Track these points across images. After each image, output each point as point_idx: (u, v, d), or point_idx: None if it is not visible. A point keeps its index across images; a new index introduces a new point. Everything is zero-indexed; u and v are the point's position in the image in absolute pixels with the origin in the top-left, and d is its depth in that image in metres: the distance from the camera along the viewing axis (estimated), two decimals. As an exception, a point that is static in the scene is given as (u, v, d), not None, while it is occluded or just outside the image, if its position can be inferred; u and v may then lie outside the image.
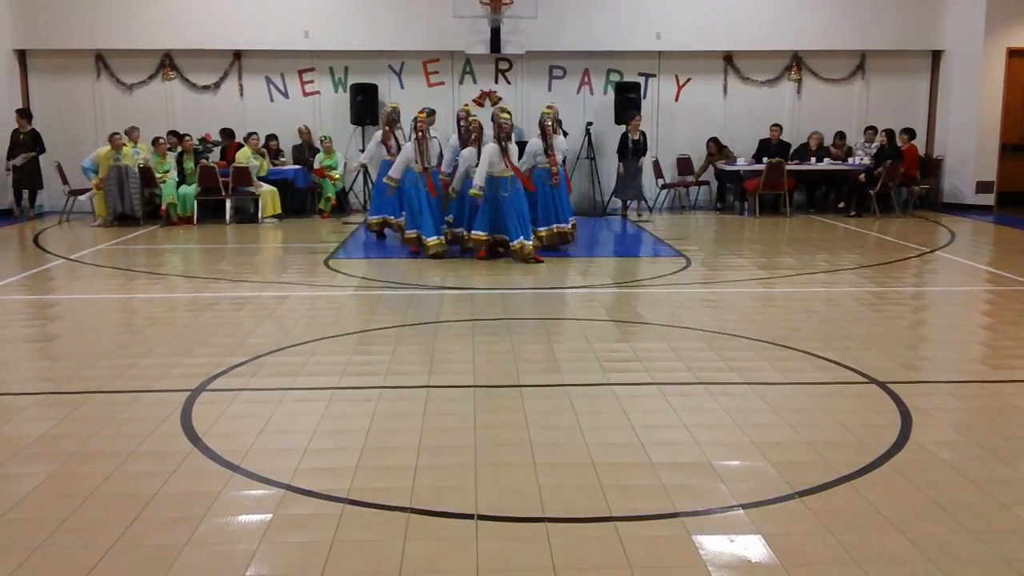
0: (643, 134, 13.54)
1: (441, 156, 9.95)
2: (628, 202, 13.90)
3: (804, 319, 6.66)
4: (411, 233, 9.56)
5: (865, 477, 3.69)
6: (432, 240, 9.43)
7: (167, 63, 14.17)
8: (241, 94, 14.33)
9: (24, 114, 13.37)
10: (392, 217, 10.50)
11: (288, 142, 14.09)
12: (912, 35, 14.31)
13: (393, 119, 11.05)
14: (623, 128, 13.63)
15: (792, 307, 7.10)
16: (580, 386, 4.98)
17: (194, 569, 2.97)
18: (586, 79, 14.54)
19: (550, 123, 9.75)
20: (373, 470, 3.78)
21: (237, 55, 14.19)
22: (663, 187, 14.40)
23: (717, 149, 14.22)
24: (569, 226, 9.99)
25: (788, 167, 13.41)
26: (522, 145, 13.10)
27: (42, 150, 13.34)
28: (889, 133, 13.37)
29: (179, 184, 12.79)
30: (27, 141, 13.20)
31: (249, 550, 3.09)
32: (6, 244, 11.10)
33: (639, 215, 13.70)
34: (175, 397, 4.77)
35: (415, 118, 9.69)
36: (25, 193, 13.53)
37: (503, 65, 14.43)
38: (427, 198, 9.43)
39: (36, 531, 3.23)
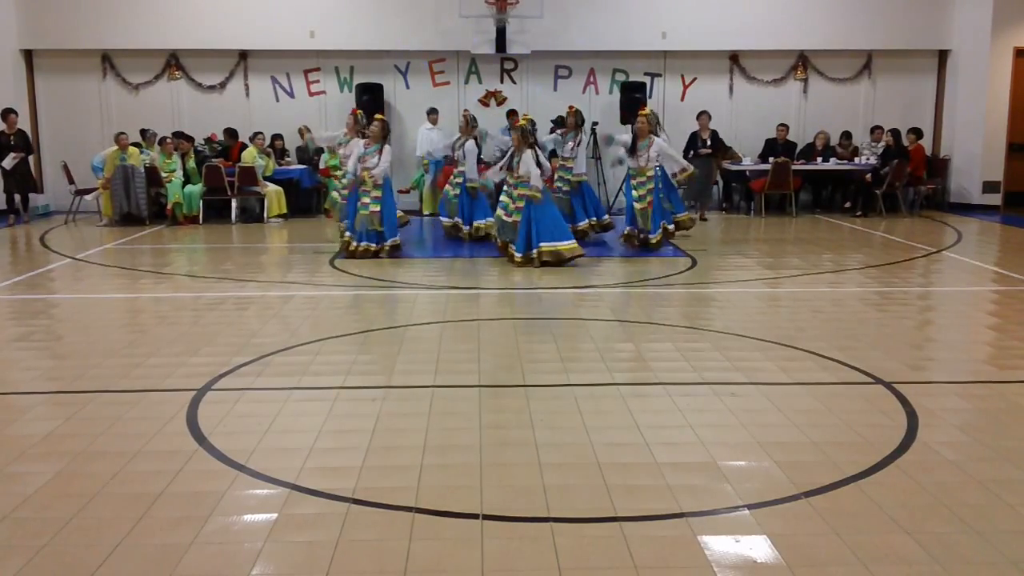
0: (713, 132, 13.27)
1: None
2: (697, 204, 13.33)
3: (810, 319, 6.64)
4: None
5: (871, 478, 3.68)
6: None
7: (173, 63, 14.21)
8: (247, 94, 14.36)
9: (13, 113, 12.69)
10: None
11: (293, 142, 14.11)
12: (919, 35, 14.28)
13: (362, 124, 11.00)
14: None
15: (798, 307, 7.08)
16: (585, 386, 4.97)
17: (199, 568, 2.98)
18: (591, 79, 14.55)
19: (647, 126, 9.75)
20: (378, 470, 3.79)
21: (243, 55, 14.22)
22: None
23: (723, 153, 14.19)
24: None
25: (794, 167, 13.40)
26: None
27: (30, 151, 12.79)
28: (895, 133, 13.33)
29: (184, 184, 12.82)
30: (18, 142, 12.59)
31: (254, 549, 3.09)
32: (12, 244, 11.14)
33: (703, 218, 13.11)
34: (181, 396, 4.78)
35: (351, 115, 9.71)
36: (18, 197, 12.89)
37: (508, 65, 14.44)
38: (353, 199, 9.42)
39: (42, 530, 3.24)
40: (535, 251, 8.80)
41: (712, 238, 11.49)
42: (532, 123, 9.34)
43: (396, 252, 9.54)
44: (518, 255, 8.85)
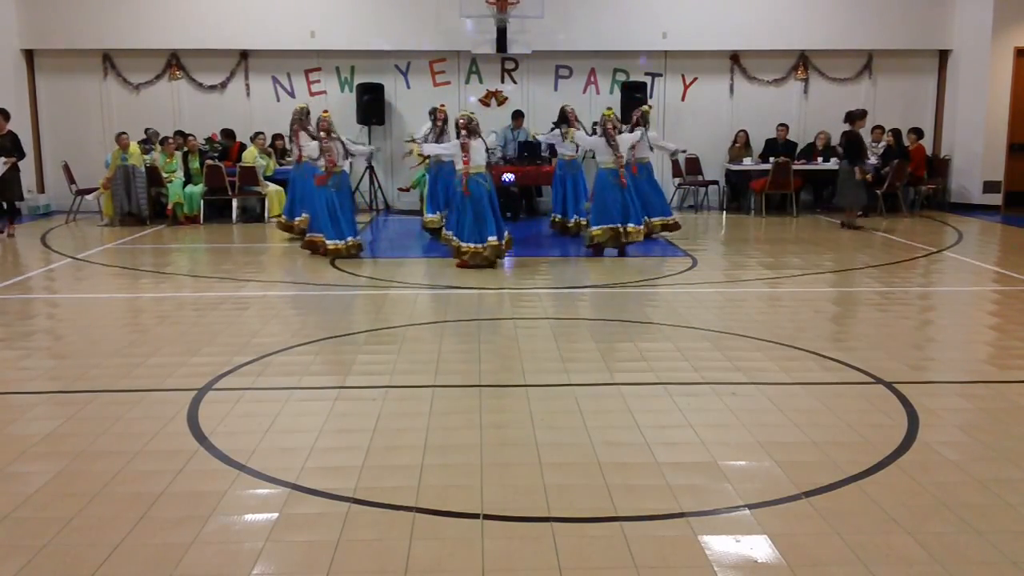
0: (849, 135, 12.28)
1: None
2: (859, 210, 12.19)
3: (811, 319, 6.64)
4: (314, 236, 9.47)
5: (872, 477, 3.68)
6: (332, 243, 9.31)
7: (174, 63, 14.21)
8: (248, 94, 14.36)
9: (3, 115, 11.63)
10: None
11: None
12: (919, 35, 14.27)
13: (301, 119, 10.99)
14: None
15: (799, 307, 7.08)
16: (586, 386, 4.97)
17: (200, 568, 2.98)
18: (592, 79, 14.54)
19: (611, 125, 9.42)
20: (379, 469, 3.79)
21: (244, 55, 14.22)
22: (679, 186, 14.39)
23: (745, 142, 14.22)
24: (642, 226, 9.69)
25: (795, 167, 13.39)
26: (529, 145, 13.19)
27: (22, 155, 11.81)
28: (896, 133, 13.32)
29: (185, 184, 12.82)
30: (5, 145, 11.55)
31: (255, 549, 3.10)
32: (13, 243, 11.13)
33: (857, 225, 11.90)
34: (181, 396, 4.78)
35: (319, 117, 9.61)
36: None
37: (509, 65, 14.43)
38: (328, 199, 9.30)
39: (43, 529, 3.24)
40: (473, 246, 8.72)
41: (713, 238, 11.49)
42: (469, 120, 8.90)
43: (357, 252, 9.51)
44: (473, 245, 8.72)
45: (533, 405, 4.61)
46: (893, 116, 14.21)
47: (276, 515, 3.36)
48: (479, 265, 8.71)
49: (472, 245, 8.76)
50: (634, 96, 13.67)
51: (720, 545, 3.10)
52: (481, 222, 8.74)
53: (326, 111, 9.78)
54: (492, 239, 8.76)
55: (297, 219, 10.81)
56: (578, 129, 10.55)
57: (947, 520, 3.29)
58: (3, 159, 11.53)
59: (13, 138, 11.82)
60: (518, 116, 13.71)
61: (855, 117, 11.85)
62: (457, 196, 8.90)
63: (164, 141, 13.09)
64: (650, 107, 11.08)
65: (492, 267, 8.75)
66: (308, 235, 9.60)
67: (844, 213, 12.15)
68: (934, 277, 8.74)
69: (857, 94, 14.64)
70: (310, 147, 9.74)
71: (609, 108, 10.03)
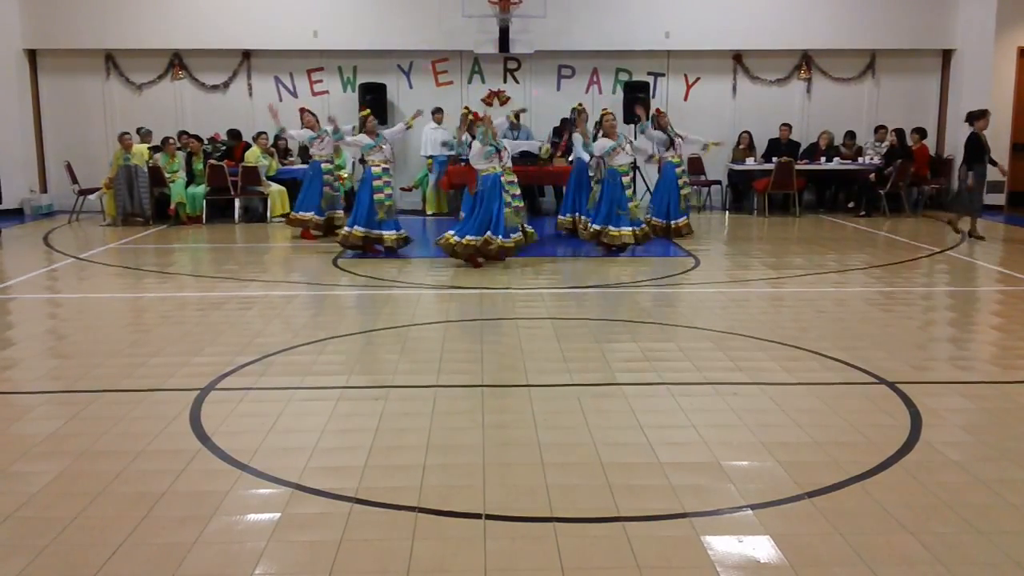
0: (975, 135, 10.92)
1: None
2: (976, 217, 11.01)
3: (814, 319, 6.63)
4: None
5: (874, 478, 3.67)
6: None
7: (176, 63, 14.23)
8: (250, 94, 14.37)
9: None
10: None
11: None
12: (922, 34, 14.26)
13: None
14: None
15: (802, 307, 7.07)
16: (588, 386, 4.97)
17: (203, 567, 2.98)
18: (595, 78, 14.54)
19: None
20: (381, 469, 3.79)
21: (246, 55, 14.24)
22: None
23: (749, 144, 14.21)
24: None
25: (798, 167, 13.38)
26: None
27: None
28: (899, 133, 13.31)
29: (187, 184, 12.83)
30: None
31: (257, 549, 3.10)
32: (16, 243, 11.15)
33: (980, 236, 10.79)
34: (184, 396, 4.78)
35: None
36: None
37: (512, 64, 14.43)
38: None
39: (46, 529, 3.24)
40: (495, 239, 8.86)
41: (716, 238, 11.48)
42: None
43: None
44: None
45: (535, 405, 4.61)
46: (896, 116, 14.20)
47: (278, 515, 3.36)
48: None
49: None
50: (636, 96, 13.67)
51: (723, 545, 3.10)
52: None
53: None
54: (449, 235, 8.90)
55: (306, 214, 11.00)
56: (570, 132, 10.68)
57: (950, 520, 3.28)
58: None
59: None
60: (517, 117, 13.69)
61: (975, 117, 10.87)
62: None
63: (165, 141, 13.10)
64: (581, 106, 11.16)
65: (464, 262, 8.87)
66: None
67: (949, 220, 11.27)
68: (937, 277, 8.72)
69: (860, 94, 14.65)
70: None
71: (605, 109, 10.19)
